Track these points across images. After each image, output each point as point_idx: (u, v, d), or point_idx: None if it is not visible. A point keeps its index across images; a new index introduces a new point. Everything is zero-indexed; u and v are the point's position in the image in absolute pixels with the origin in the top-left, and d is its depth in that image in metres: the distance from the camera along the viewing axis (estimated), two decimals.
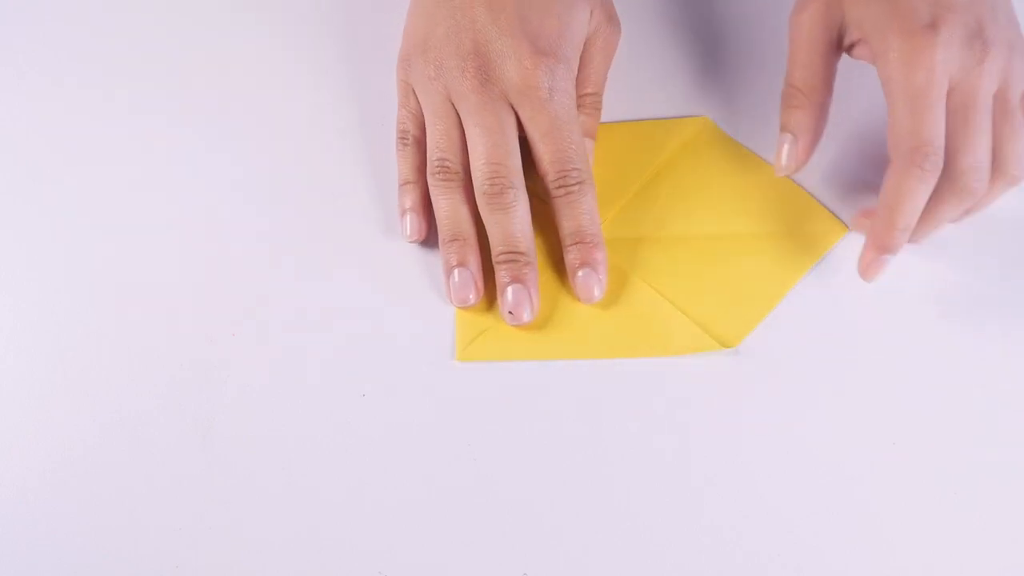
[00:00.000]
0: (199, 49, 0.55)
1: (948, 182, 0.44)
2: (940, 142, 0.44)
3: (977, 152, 0.44)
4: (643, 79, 0.53)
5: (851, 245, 0.48)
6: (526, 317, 0.46)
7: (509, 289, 0.46)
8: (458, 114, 0.48)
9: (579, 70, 0.49)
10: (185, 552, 0.43)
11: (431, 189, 0.48)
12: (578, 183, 0.46)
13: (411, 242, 0.49)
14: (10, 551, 0.44)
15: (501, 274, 0.46)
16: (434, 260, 0.49)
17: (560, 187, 0.46)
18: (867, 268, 0.46)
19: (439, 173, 0.47)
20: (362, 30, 0.55)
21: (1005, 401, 0.45)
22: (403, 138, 0.50)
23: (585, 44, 0.49)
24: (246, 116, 0.53)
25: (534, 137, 0.47)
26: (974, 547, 0.42)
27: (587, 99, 0.49)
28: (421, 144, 0.49)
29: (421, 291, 0.48)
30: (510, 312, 0.46)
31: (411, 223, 0.48)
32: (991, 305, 0.47)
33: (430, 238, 0.49)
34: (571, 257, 0.47)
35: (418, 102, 0.50)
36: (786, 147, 0.47)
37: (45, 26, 0.56)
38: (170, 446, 0.45)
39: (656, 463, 0.44)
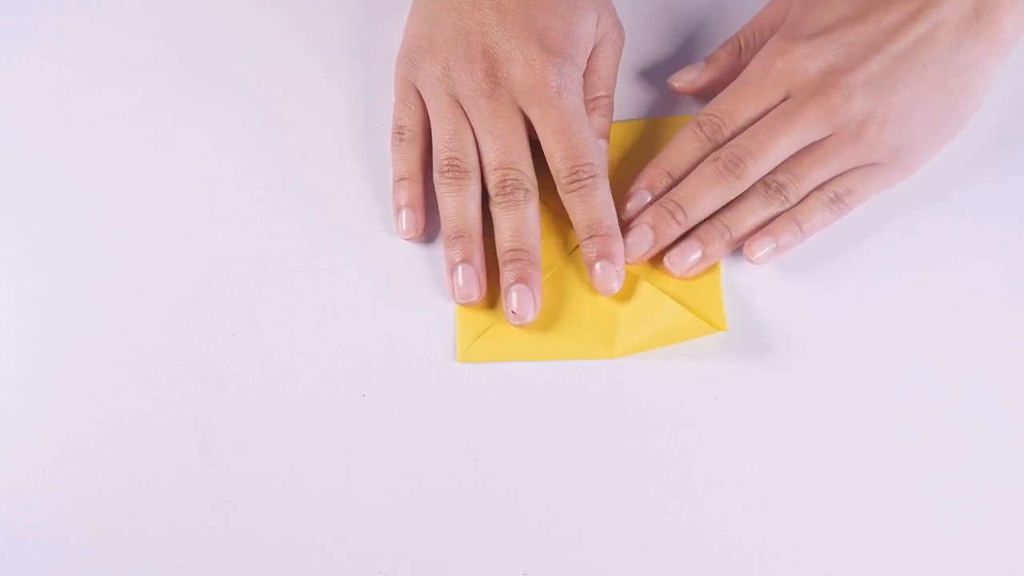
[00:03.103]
0: (200, 49, 0.55)
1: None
2: (731, 120, 0.47)
3: (757, 140, 0.45)
4: (642, 79, 0.53)
5: (851, 247, 0.48)
6: (529, 318, 0.46)
7: (513, 289, 0.46)
8: (466, 114, 0.48)
9: (591, 74, 0.49)
10: (185, 552, 0.43)
11: (438, 187, 0.48)
12: (591, 177, 0.46)
13: (407, 239, 0.49)
14: (10, 551, 0.44)
15: (506, 274, 0.46)
16: (436, 260, 0.49)
17: (574, 182, 0.46)
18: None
19: (448, 172, 0.47)
20: (365, 30, 0.55)
21: (1005, 401, 0.45)
22: (399, 134, 0.50)
23: (595, 49, 0.49)
24: (247, 117, 0.53)
25: (545, 135, 0.47)
26: (974, 547, 0.42)
27: (600, 101, 0.50)
28: (418, 141, 0.49)
29: (422, 291, 0.48)
30: (513, 312, 0.46)
31: (407, 219, 0.48)
32: (992, 305, 0.47)
33: (434, 238, 0.49)
34: (588, 250, 0.46)
35: (420, 100, 0.50)
36: (690, 70, 0.51)
37: (48, 25, 0.56)
38: (170, 446, 0.45)
39: (656, 463, 0.44)
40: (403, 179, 0.49)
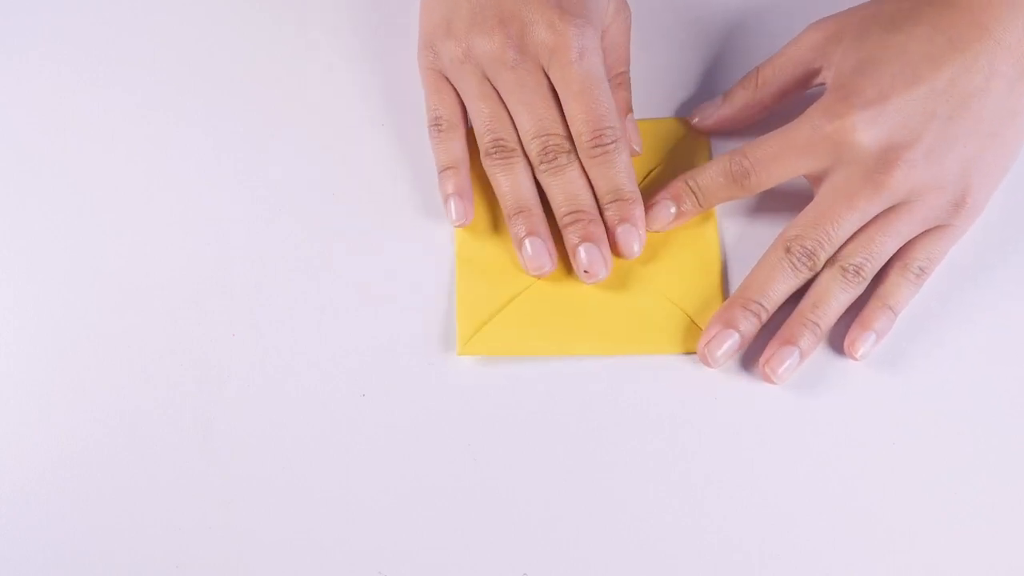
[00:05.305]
0: (200, 49, 0.55)
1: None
2: (767, 175, 0.45)
3: (824, 230, 0.44)
4: (642, 78, 0.53)
5: None
6: (602, 275, 0.46)
7: (581, 249, 0.46)
8: (496, 90, 0.48)
9: (609, 51, 0.50)
10: (185, 552, 0.43)
11: (488, 170, 0.48)
12: (613, 141, 0.46)
13: (457, 226, 0.49)
14: (10, 551, 0.44)
15: (570, 236, 0.46)
16: (437, 260, 0.48)
17: (596, 147, 0.46)
18: (706, 342, 0.45)
19: (496, 153, 0.48)
20: (366, 30, 0.55)
21: (1005, 401, 0.45)
22: (437, 124, 0.49)
23: (609, 26, 0.50)
24: (247, 117, 0.53)
25: (566, 97, 0.47)
26: (974, 547, 0.42)
27: (621, 77, 0.50)
28: (456, 128, 0.49)
29: (422, 291, 0.48)
30: (586, 271, 0.46)
31: (456, 207, 0.48)
32: (991, 304, 0.47)
33: (434, 238, 0.49)
34: (610, 214, 0.46)
35: (450, 86, 0.50)
36: (708, 106, 0.51)
37: (48, 25, 0.56)
38: (170, 446, 0.45)
39: (656, 462, 0.44)
40: (447, 168, 0.49)
